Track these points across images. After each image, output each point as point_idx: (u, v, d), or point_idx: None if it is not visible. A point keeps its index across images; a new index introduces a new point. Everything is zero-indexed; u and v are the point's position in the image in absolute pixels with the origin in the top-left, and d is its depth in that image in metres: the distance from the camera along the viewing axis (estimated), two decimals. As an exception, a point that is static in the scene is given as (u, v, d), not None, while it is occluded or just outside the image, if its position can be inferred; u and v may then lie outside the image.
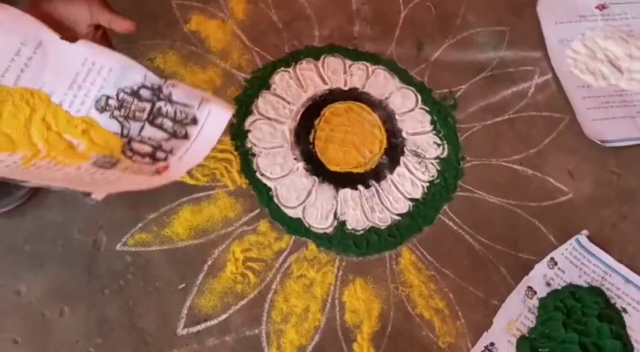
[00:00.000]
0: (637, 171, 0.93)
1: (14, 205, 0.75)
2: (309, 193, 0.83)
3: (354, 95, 0.92)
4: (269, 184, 0.83)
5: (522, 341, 0.77)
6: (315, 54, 0.95)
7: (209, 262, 0.76)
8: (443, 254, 0.82)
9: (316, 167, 0.85)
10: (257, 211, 0.81)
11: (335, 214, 0.82)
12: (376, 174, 0.86)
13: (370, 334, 0.75)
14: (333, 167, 0.86)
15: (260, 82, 0.90)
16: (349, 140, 0.88)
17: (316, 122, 0.89)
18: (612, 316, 0.79)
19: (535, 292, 0.81)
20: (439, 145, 0.90)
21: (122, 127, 0.61)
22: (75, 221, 0.76)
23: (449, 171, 0.88)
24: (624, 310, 0.81)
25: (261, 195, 0.82)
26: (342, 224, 0.82)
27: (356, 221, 0.82)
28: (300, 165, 0.85)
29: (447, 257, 0.82)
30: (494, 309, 0.79)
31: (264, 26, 0.96)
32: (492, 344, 0.76)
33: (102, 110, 0.60)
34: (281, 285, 0.77)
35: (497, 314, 0.78)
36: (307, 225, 0.81)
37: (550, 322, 0.78)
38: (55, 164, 0.57)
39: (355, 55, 0.96)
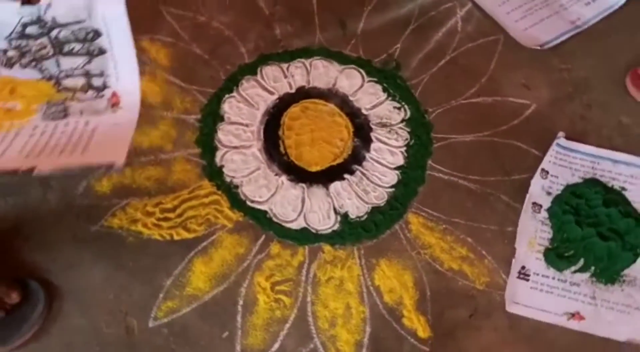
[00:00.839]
0: (581, 60, 0.97)
1: (36, 328, 0.74)
2: (303, 201, 0.84)
3: (303, 93, 0.93)
4: (263, 207, 0.84)
5: (547, 254, 0.81)
6: (250, 70, 0.95)
7: (241, 302, 0.77)
8: (446, 206, 0.85)
9: (299, 174, 0.86)
10: (263, 237, 0.82)
11: (335, 210, 0.84)
12: (355, 158, 0.88)
13: (414, 304, 0.78)
14: (314, 168, 0.87)
15: (212, 117, 0.90)
16: (317, 137, 0.89)
17: (280, 132, 0.90)
18: (615, 198, 0.83)
19: (540, 206, 0.84)
20: (399, 108, 0.93)
21: (40, 71, 0.61)
22: (99, 317, 0.76)
23: (418, 129, 0.91)
24: (623, 188, 0.85)
25: (260, 221, 0.83)
26: (345, 216, 0.83)
27: (356, 208, 0.84)
28: (283, 178, 0.86)
29: (451, 207, 0.85)
30: (512, 236, 0.82)
31: (192, 62, 0.96)
32: (523, 267, 0.80)
33: (9, 65, 0.60)
34: (315, 295, 0.78)
35: (517, 239, 0.82)
36: (314, 231, 0.82)
37: (564, 227, 0.82)
38: (7, 130, 0.57)
39: (288, 56, 0.97)
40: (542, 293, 0.78)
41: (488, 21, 1.01)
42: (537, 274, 0.79)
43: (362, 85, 0.94)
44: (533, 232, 0.82)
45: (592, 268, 0.79)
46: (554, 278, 0.79)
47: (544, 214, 0.83)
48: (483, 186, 0.86)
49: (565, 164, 0.87)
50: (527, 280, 0.79)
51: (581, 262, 0.80)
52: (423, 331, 0.76)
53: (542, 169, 0.86)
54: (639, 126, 0.91)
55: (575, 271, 0.79)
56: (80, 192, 0.82)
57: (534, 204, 0.84)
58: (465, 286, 0.79)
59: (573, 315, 0.76)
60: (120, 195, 0.83)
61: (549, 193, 0.85)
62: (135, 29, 0.64)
